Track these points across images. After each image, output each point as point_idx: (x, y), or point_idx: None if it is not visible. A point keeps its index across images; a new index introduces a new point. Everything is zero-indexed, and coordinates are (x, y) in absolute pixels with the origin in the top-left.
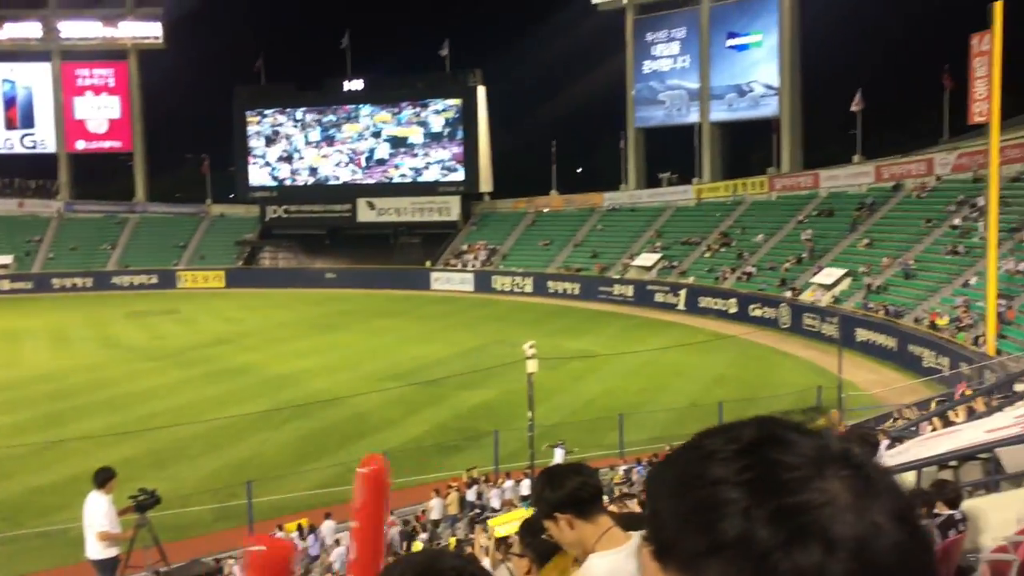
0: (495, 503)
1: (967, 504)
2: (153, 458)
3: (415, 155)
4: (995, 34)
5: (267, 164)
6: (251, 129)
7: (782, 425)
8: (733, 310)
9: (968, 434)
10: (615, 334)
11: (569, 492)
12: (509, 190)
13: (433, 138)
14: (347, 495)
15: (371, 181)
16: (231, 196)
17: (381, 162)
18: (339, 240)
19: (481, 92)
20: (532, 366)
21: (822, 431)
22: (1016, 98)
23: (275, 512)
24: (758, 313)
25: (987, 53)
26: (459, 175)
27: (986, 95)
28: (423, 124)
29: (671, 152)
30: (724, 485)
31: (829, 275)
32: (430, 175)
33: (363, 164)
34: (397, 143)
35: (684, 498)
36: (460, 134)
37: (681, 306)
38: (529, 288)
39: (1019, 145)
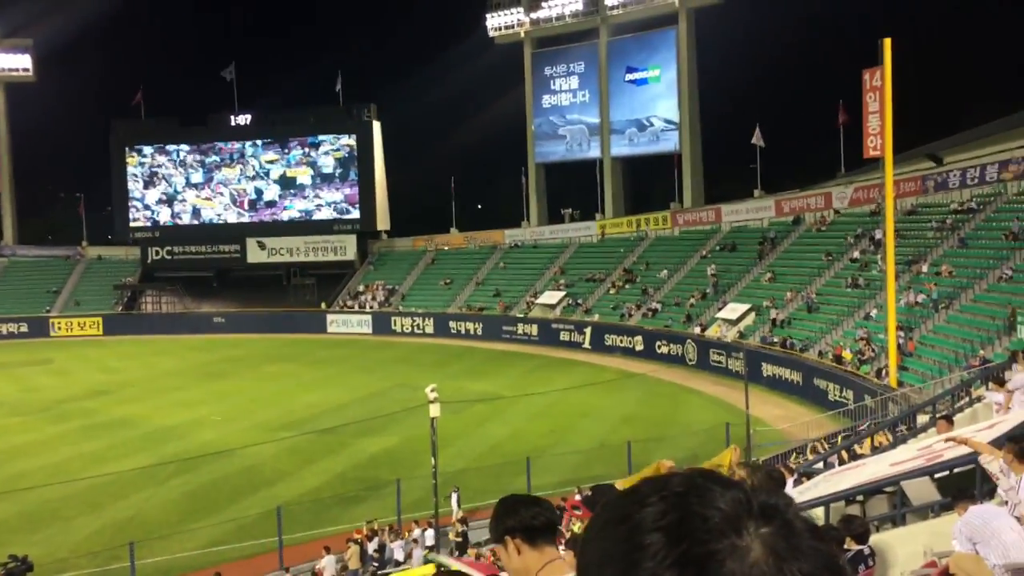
0: (398, 555)
1: (875, 538)
2: (24, 521)
3: (305, 196)
4: (886, 69)
5: (146, 207)
6: (130, 168)
7: (709, 477)
8: (639, 347)
9: (873, 467)
10: (520, 375)
11: (522, 519)
12: (407, 228)
13: (324, 179)
14: (239, 552)
15: (262, 220)
16: (109, 237)
17: (271, 204)
18: (227, 282)
19: (376, 127)
20: (434, 410)
21: (747, 485)
22: (909, 131)
23: (161, 575)
24: (664, 350)
25: (879, 88)
26: (355, 213)
27: (879, 130)
28: (313, 165)
29: (573, 187)
30: (644, 528)
31: (734, 310)
32: (324, 214)
33: (247, 207)
34: (287, 184)
35: (609, 537)
36: (353, 174)
37: (587, 344)
38: (430, 329)
39: (913, 179)
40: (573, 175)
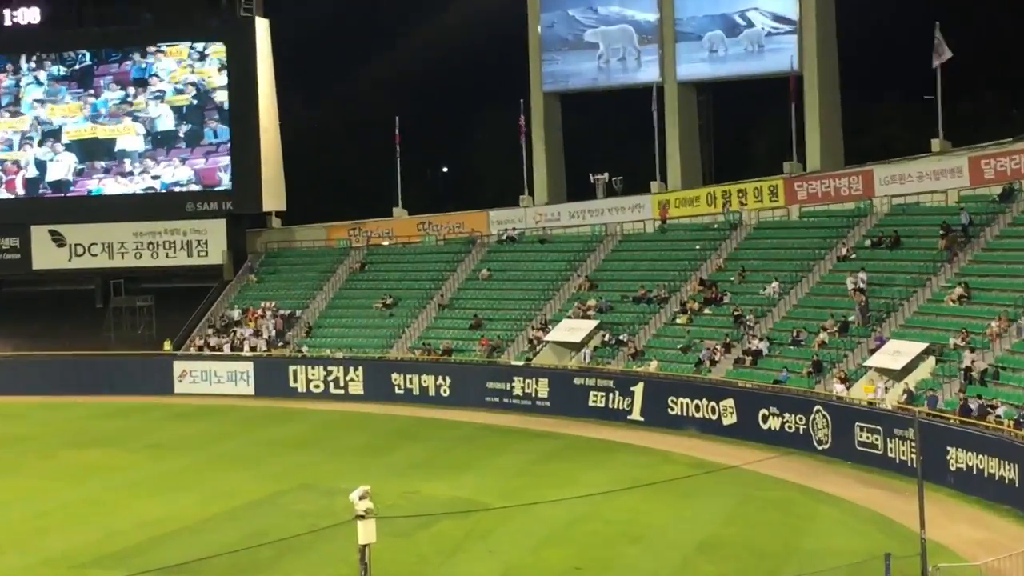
0: None
1: None
2: None
3: (128, 173)
4: None
5: None
6: None
7: None
8: (730, 418)
9: None
10: (519, 468)
11: None
12: (317, 209)
13: (164, 140)
14: None
15: (59, 197)
16: None
17: (59, 186)
18: None
19: (262, 32)
20: (367, 532)
21: None
22: None
23: None
24: (774, 424)
25: None
26: (223, 183)
27: None
28: (141, 119)
29: (610, 138)
30: None
31: (898, 353)
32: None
33: (23, 188)
34: (94, 151)
35: None
36: (217, 123)
37: (636, 414)
38: (357, 387)
39: None
40: (609, 116)
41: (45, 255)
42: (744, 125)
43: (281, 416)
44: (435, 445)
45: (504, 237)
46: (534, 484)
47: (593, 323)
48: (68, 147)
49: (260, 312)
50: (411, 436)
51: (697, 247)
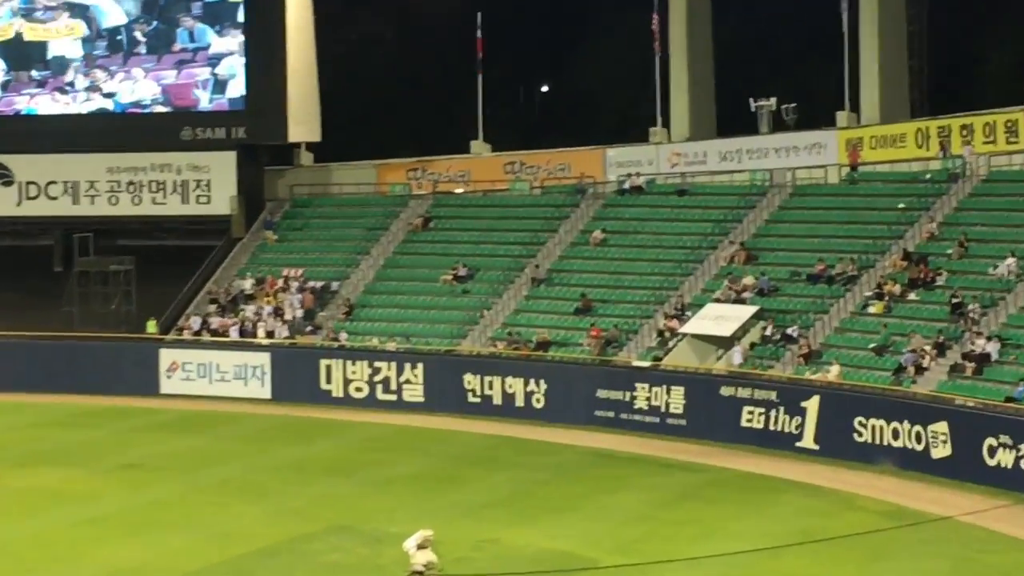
0: None
1: None
2: None
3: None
4: None
5: None
6: None
7: None
8: (942, 450)
9: None
10: (639, 510)
11: None
12: (365, 142)
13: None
14: None
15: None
16: None
17: None
18: None
19: None
20: None
21: None
22: None
23: None
24: (1006, 459)
25: None
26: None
27: None
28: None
29: (781, 51)
30: None
31: None
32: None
33: None
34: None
35: None
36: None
37: (808, 440)
38: (417, 391)
39: None
40: (780, 17)
41: None
42: (974, 34)
43: (308, 430)
44: (523, 476)
45: (626, 186)
46: (661, 535)
47: (750, 310)
48: None
49: (281, 283)
50: (490, 463)
51: (900, 206)
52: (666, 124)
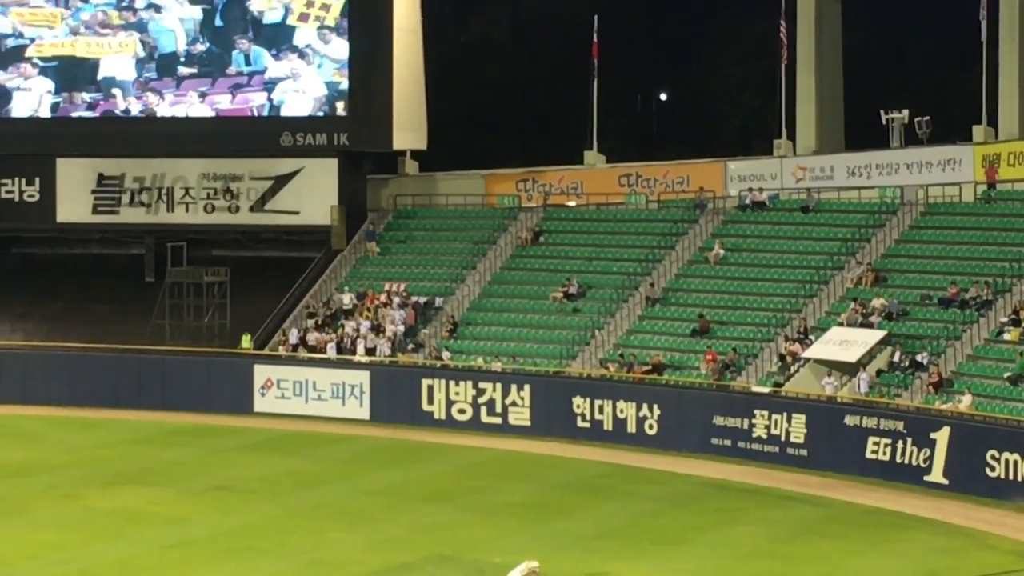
0: None
1: None
2: None
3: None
4: None
5: None
6: None
7: None
8: None
9: None
10: (757, 545)
11: None
12: (473, 151)
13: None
14: None
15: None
16: None
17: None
18: (3, 272)
19: None
20: None
21: None
22: None
23: None
24: None
25: None
26: (337, 108)
27: None
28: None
29: (914, 60)
30: None
31: None
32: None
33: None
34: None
35: None
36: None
37: (937, 473)
38: (523, 415)
39: None
40: (913, 25)
41: (72, 204)
42: None
43: (408, 453)
44: (634, 507)
45: (748, 201)
46: (780, 572)
47: (878, 334)
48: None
49: (383, 298)
50: (599, 491)
51: None
52: (791, 136)
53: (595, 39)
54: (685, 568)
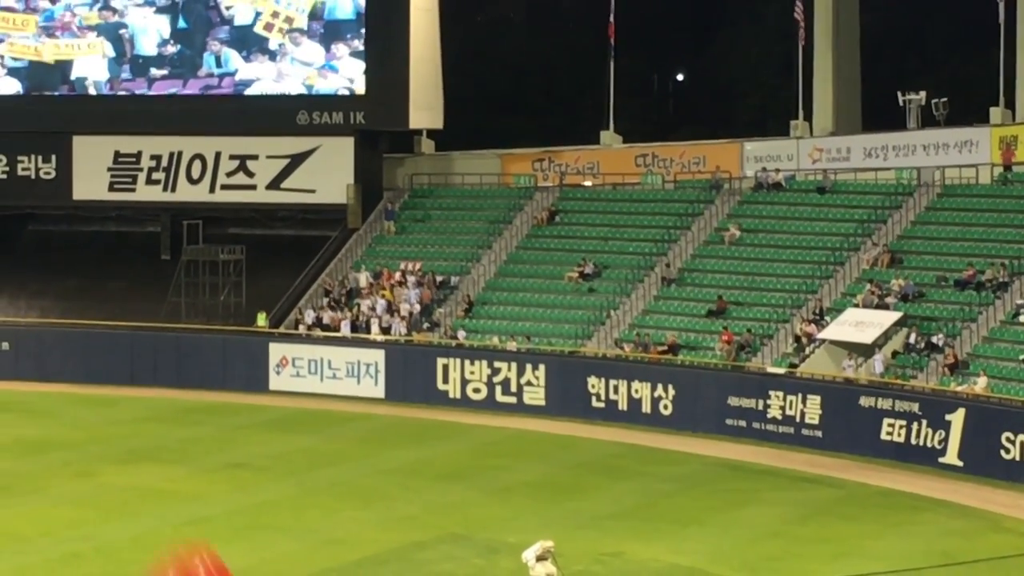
0: None
1: None
2: None
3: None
4: None
5: None
6: None
7: None
8: None
9: None
10: (771, 526)
11: None
12: (489, 130)
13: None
14: None
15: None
16: None
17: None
18: (19, 249)
19: None
20: None
21: None
22: None
23: None
24: None
25: None
26: (356, 86)
27: None
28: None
29: (932, 41)
30: None
31: None
32: (267, 84)
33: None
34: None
35: None
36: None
37: (952, 455)
38: (538, 394)
39: None
40: (932, 6)
41: (92, 180)
42: None
43: (422, 432)
44: (649, 487)
45: (765, 181)
46: (793, 553)
47: (894, 316)
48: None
49: (399, 277)
50: (614, 471)
51: None
52: (808, 117)
53: (612, 19)
54: (699, 548)
